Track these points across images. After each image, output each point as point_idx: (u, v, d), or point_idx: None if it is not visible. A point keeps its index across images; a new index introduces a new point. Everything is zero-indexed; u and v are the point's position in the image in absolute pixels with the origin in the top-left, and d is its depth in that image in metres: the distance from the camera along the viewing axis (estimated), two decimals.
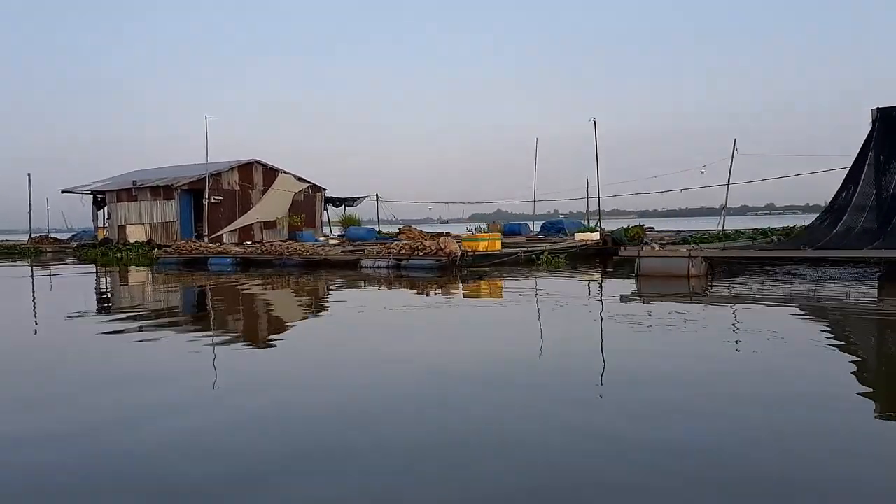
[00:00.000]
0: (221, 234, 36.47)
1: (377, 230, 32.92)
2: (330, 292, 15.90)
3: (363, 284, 17.17)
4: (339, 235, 36.32)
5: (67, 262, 35.41)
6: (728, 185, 34.01)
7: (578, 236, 24.37)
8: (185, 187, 35.69)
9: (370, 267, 20.67)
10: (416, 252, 20.08)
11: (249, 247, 25.81)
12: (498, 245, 20.85)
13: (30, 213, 44.54)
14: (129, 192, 37.69)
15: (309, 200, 40.91)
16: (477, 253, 19.84)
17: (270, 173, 38.99)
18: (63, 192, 40.86)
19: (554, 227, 30.39)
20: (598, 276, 18.60)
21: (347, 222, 33.66)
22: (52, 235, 47.43)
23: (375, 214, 44.26)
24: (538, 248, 21.78)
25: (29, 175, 44.31)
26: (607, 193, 63.90)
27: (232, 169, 37.23)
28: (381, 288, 16.30)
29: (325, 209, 42.19)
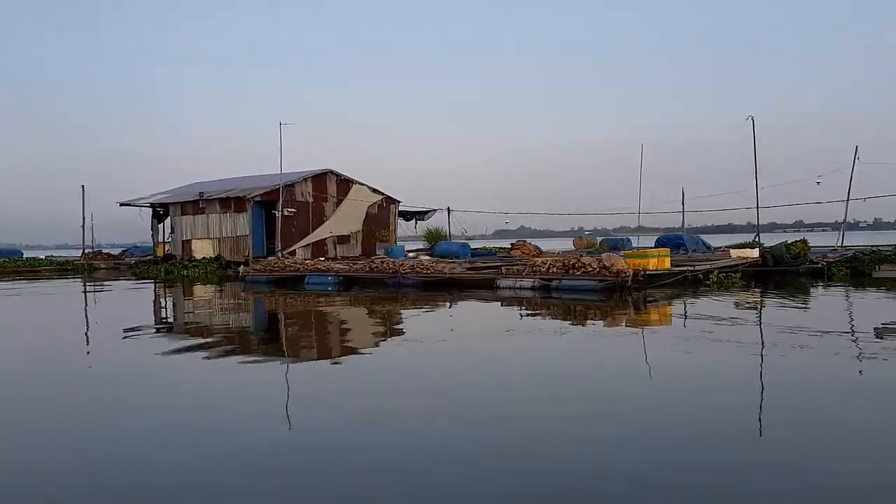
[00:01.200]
0: (295, 250, 33.91)
1: (468, 245, 30.07)
2: (510, 328, 13.03)
3: (530, 312, 14.29)
4: (421, 251, 33.50)
5: (121, 278, 33.01)
6: (847, 200, 30.92)
7: (735, 253, 21.35)
8: (258, 199, 33.16)
9: (510, 288, 17.82)
10: (571, 270, 17.18)
11: (353, 263, 23.06)
12: (667, 263, 17.86)
13: (83, 227, 42.31)
14: (196, 205, 35.22)
15: (383, 213, 38.23)
16: (647, 272, 16.88)
17: (344, 184, 36.40)
18: (121, 204, 38.53)
19: (672, 242, 27.33)
20: (803, 298, 15.60)
21: (434, 237, 30.91)
22: (106, 251, 45.14)
23: (446, 228, 41.54)
24: (702, 267, 18.80)
25: (83, 187, 42.13)
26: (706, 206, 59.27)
27: (305, 180, 34.69)
28: (568, 319, 13.41)
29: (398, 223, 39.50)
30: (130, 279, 32.35)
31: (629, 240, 32.28)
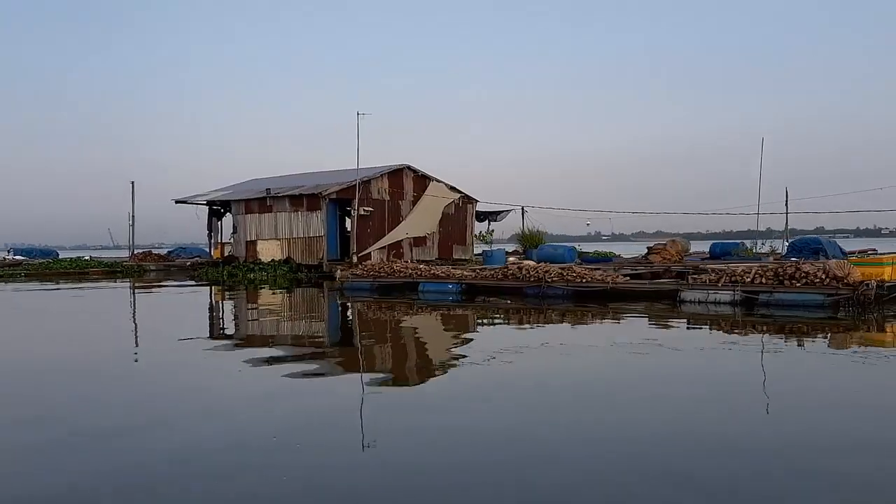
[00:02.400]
0: (370, 253, 31.05)
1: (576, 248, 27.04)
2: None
3: (758, 338, 11.27)
4: (515, 254, 30.49)
5: (175, 281, 30.27)
6: None
7: None
8: (333, 196, 30.30)
9: (699, 301, 14.83)
10: (787, 281, 14.17)
11: (479, 269, 20.08)
12: None
13: (132, 226, 39.62)
14: (263, 202, 32.36)
15: (459, 213, 35.31)
16: (884, 283, 13.84)
17: (421, 181, 33.50)
18: (177, 202, 35.72)
19: (808, 246, 24.21)
20: None
21: (532, 240, 27.98)
22: (156, 252, 42.40)
23: (520, 229, 38.53)
24: None
25: (133, 183, 39.44)
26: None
27: (382, 176, 31.82)
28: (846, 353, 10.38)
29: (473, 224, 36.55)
30: (186, 282, 29.67)
31: (744, 244, 29.10)
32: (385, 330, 12.93)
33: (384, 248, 31.68)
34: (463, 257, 33.92)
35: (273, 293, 22.05)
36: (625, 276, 17.98)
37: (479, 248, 36.77)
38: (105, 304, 20.11)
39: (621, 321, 13.07)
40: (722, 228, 77.31)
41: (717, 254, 27.76)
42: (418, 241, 33.17)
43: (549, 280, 17.36)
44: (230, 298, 21.19)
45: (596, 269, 19.31)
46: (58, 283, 29.92)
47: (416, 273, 20.24)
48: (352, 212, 30.36)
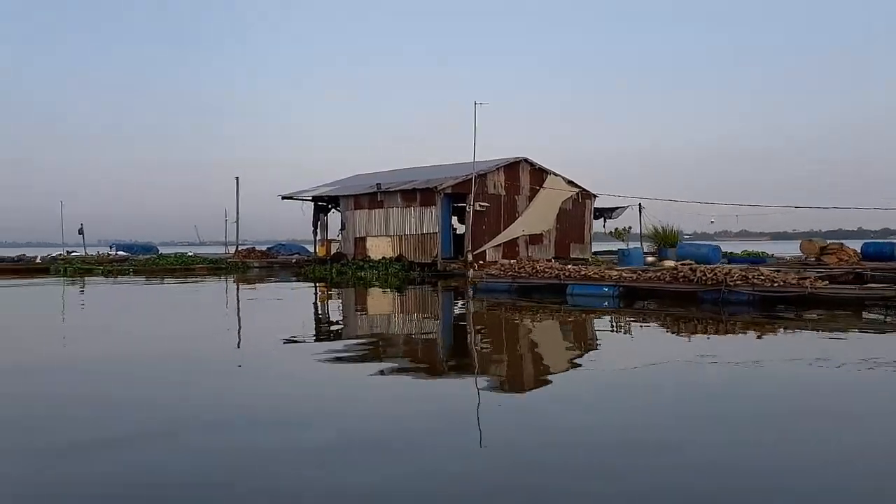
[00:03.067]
0: (485, 251, 29.21)
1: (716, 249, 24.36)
2: None
3: None
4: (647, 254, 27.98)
5: (275, 278, 29.25)
6: None
7: None
8: (449, 191, 28.58)
9: None
10: None
11: (640, 271, 17.83)
12: None
13: (237, 221, 39.09)
14: (373, 198, 30.98)
15: (577, 209, 33.03)
16: None
17: (538, 175, 31.40)
18: (283, 198, 34.83)
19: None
20: None
21: (667, 238, 25.54)
22: (258, 248, 41.86)
23: (637, 227, 35.85)
24: None
25: (237, 179, 38.89)
26: None
27: (497, 169, 29.92)
28: None
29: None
30: (291, 280, 28.62)
31: None
32: (555, 344, 10.94)
33: (499, 245, 29.79)
34: (581, 256, 31.64)
35: (392, 293, 20.45)
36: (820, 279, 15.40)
37: (597, 247, 34.49)
38: (231, 302, 18.95)
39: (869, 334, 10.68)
40: (839, 227, 72.00)
41: (871, 255, 24.58)
42: (534, 239, 31.11)
43: (732, 283, 15.00)
44: (347, 299, 19.70)
45: (776, 270, 16.78)
46: (163, 279, 29.45)
47: (563, 274, 18.20)
48: (467, 207, 28.54)
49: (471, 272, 20.46)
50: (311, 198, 34.73)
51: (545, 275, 18.45)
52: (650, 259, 24.64)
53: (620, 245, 32.62)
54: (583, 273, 17.99)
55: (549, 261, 21.26)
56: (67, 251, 41.53)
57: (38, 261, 38.11)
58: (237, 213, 38.81)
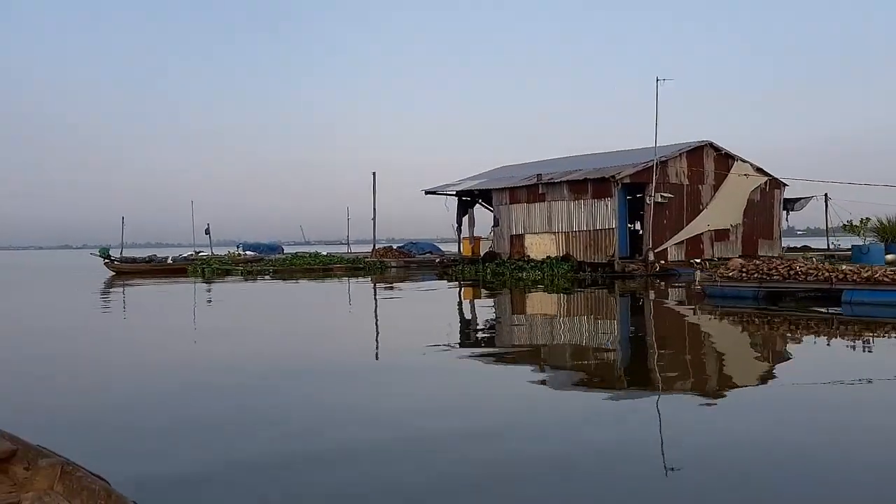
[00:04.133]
0: (666, 248, 25.48)
1: None
2: None
3: None
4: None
5: (416, 278, 26.65)
6: None
7: None
8: (627, 181, 25.05)
9: None
10: None
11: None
12: None
13: (374, 218, 36.93)
14: (533, 191, 27.81)
15: (765, 200, 28.70)
16: None
17: (724, 161, 27.35)
18: (427, 192, 32.26)
19: None
20: None
21: (894, 232, 21.19)
22: (396, 247, 39.68)
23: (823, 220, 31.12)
24: None
25: (374, 174, 36.70)
26: None
27: (679, 155, 26.11)
28: None
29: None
30: (435, 279, 25.99)
31: None
32: None
33: (682, 242, 26.01)
34: (769, 254, 27.38)
35: (592, 301, 17.18)
36: None
37: (798, 241, 30.08)
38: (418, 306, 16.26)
39: None
40: None
41: None
42: (720, 235, 27.08)
43: None
44: (558, 310, 16.57)
45: None
46: (297, 280, 27.61)
47: (836, 277, 14.39)
48: (647, 199, 24.95)
49: (698, 274, 16.89)
50: (454, 192, 32.00)
51: (809, 277, 14.70)
52: (889, 257, 20.32)
53: (810, 240, 28.16)
54: (865, 276, 14.11)
55: (745, 259, 17.46)
56: (195, 251, 40.78)
57: (169, 261, 37.33)
58: (374, 209, 36.63)
